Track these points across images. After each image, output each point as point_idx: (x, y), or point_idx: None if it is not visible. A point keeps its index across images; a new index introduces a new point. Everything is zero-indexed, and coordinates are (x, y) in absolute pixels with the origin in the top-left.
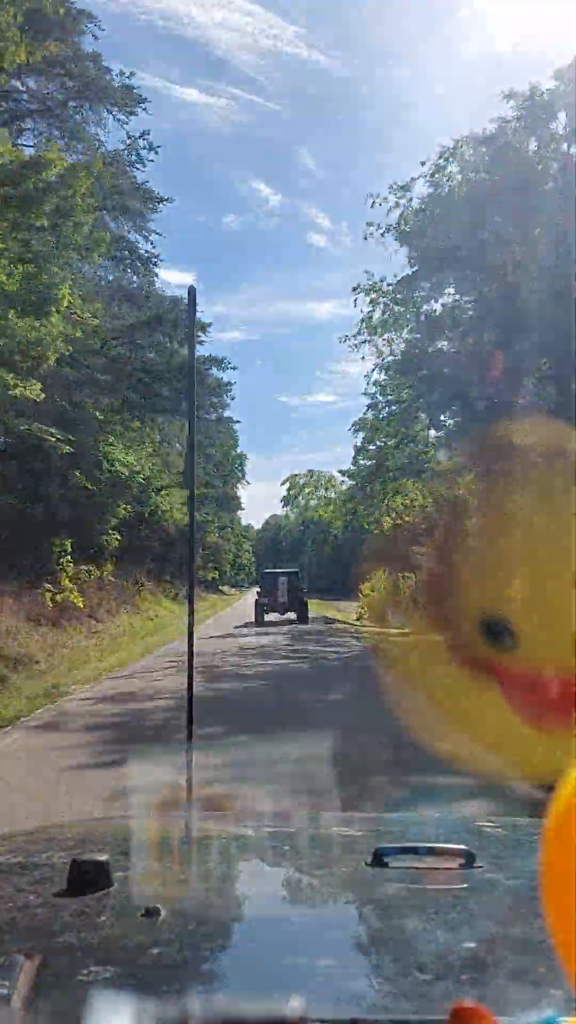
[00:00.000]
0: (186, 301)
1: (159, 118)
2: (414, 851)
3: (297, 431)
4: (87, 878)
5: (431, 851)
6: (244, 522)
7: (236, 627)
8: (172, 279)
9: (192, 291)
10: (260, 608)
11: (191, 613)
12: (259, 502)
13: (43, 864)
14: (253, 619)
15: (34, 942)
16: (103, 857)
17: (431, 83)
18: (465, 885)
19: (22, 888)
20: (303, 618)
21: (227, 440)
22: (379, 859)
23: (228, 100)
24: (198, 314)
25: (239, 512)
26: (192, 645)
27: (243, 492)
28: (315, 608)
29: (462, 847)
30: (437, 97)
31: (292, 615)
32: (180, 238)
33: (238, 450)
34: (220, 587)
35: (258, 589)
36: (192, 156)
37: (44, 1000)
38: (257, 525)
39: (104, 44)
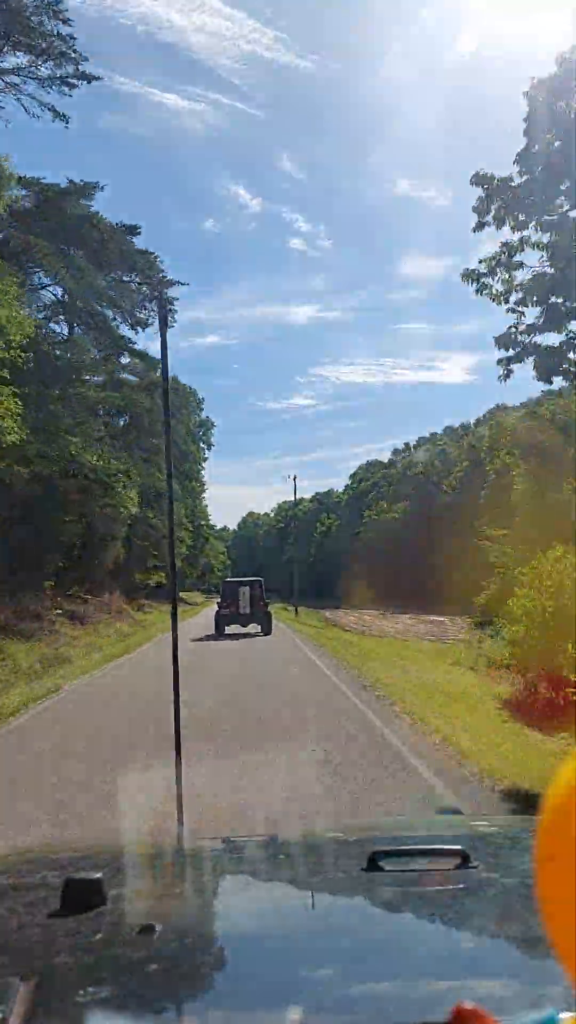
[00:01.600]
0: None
1: (138, 123)
2: (409, 854)
3: (274, 435)
4: (81, 897)
5: (426, 853)
6: (219, 524)
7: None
8: None
9: (163, 297)
10: (221, 619)
11: (174, 615)
12: (235, 508)
13: (37, 884)
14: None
15: (29, 963)
16: (97, 875)
17: (411, 86)
18: (461, 885)
19: (16, 909)
20: (267, 630)
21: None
22: (374, 863)
23: (207, 105)
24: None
25: (204, 497)
26: (176, 650)
27: (210, 486)
28: (313, 627)
29: (457, 847)
30: (417, 100)
31: (256, 627)
32: (160, 242)
33: (202, 415)
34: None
35: (219, 600)
36: (171, 161)
37: (42, 1022)
38: (233, 528)
39: (83, 47)
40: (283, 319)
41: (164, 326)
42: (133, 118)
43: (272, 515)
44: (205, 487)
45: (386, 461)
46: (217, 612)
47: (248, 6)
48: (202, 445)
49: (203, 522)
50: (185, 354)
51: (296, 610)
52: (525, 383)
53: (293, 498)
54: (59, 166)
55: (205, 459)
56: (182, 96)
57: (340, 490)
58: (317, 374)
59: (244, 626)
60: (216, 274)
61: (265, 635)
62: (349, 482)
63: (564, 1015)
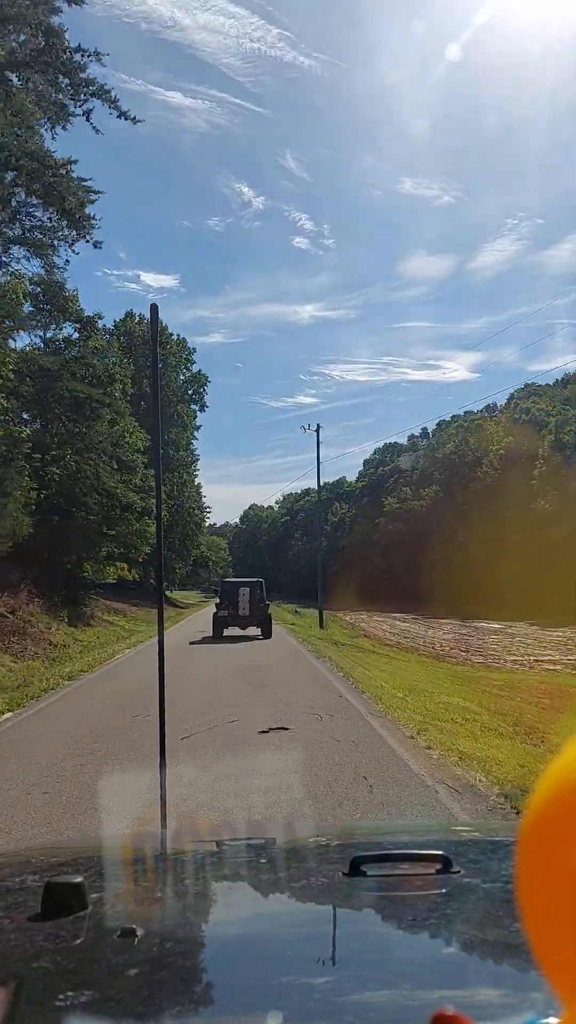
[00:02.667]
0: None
1: (141, 121)
2: (391, 859)
3: (278, 434)
4: (61, 901)
5: (408, 858)
6: (219, 519)
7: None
8: (155, 282)
9: (154, 309)
10: (219, 621)
11: (160, 618)
12: (238, 508)
13: (16, 888)
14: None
15: (8, 968)
16: (77, 879)
17: (415, 85)
18: (443, 890)
19: None
20: (267, 633)
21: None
22: (356, 868)
23: (211, 103)
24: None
25: (195, 471)
26: (162, 655)
27: (212, 486)
28: (357, 650)
29: (438, 852)
30: (421, 99)
31: (255, 630)
32: (163, 241)
33: (193, 367)
34: (169, 594)
35: (217, 600)
36: (176, 159)
37: None
38: (235, 522)
39: (86, 45)
40: (287, 318)
41: (155, 332)
42: (136, 116)
43: (277, 508)
44: (196, 459)
45: (405, 444)
46: (215, 613)
47: (252, 4)
48: (193, 407)
49: (194, 504)
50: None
51: (321, 619)
52: (525, 376)
53: (316, 458)
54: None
55: (198, 427)
56: (186, 94)
57: (353, 479)
58: (320, 372)
59: (243, 628)
60: (220, 273)
61: (265, 638)
62: (363, 468)
63: (544, 1021)
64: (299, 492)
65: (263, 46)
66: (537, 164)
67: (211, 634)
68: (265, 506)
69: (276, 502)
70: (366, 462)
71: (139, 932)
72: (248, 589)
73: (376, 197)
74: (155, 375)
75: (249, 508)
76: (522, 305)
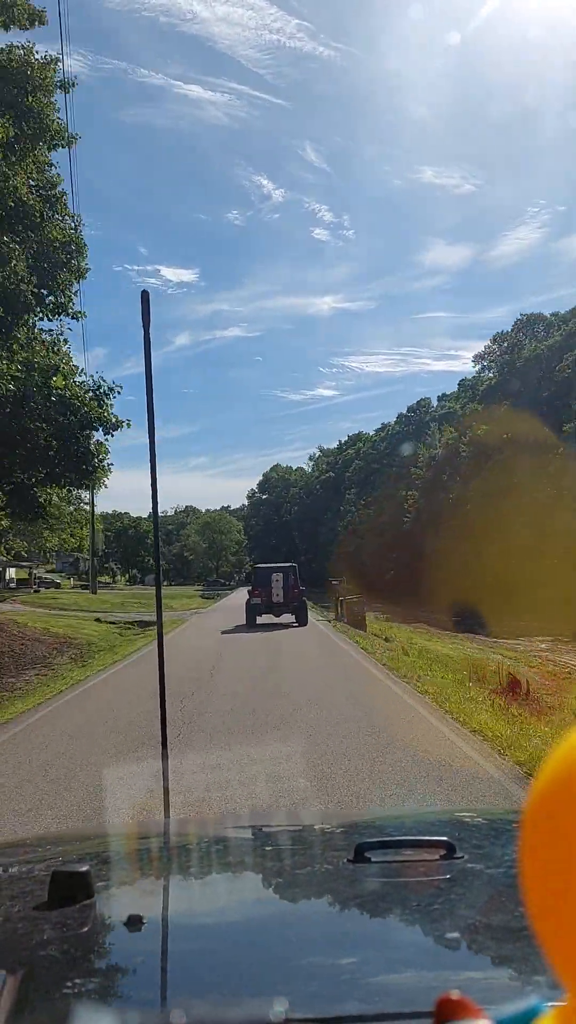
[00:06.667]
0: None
1: (161, 115)
2: (395, 845)
3: (297, 427)
4: (68, 889)
5: (412, 844)
6: (229, 503)
7: None
8: (174, 276)
9: (145, 295)
10: (252, 609)
11: (159, 613)
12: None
13: (23, 877)
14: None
15: (16, 956)
16: (84, 868)
17: (434, 75)
18: (447, 876)
19: (2, 902)
20: (303, 620)
21: None
22: (360, 854)
23: (230, 96)
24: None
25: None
26: (162, 653)
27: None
28: None
29: (442, 839)
30: (440, 89)
31: (289, 617)
32: (183, 235)
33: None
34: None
35: (250, 587)
36: (195, 152)
37: (28, 1015)
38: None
39: (106, 41)
40: (306, 310)
41: (147, 323)
42: (156, 110)
43: (310, 468)
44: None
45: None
46: (248, 601)
47: None
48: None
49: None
50: (207, 347)
51: None
52: None
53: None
54: (78, 164)
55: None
56: (205, 87)
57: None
58: (339, 364)
59: (277, 616)
60: (239, 266)
61: (300, 626)
62: (478, 366)
63: (548, 1005)
64: (347, 438)
65: (282, 37)
66: (558, 151)
67: (244, 623)
68: (294, 468)
69: (310, 458)
70: (477, 358)
71: (145, 920)
72: (281, 575)
73: (396, 187)
74: (148, 372)
75: (271, 469)
76: (542, 293)
